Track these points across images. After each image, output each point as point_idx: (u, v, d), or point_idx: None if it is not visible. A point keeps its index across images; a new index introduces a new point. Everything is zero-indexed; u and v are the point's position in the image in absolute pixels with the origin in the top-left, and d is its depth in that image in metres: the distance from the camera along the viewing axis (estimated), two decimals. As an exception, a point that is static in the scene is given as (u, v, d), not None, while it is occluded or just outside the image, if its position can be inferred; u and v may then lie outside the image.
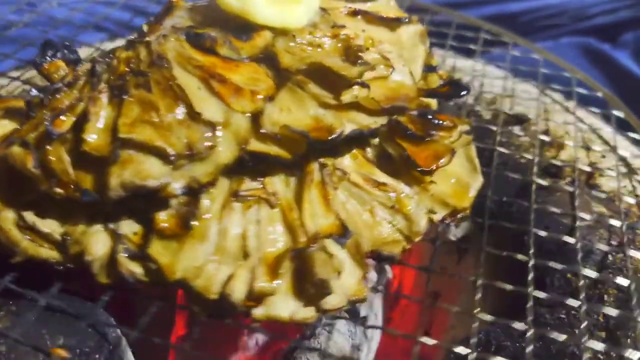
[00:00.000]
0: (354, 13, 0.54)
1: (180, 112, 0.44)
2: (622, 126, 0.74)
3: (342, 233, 0.46)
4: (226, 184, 0.46)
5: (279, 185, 0.47)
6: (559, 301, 0.52)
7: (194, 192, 0.44)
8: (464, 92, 0.56)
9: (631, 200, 0.64)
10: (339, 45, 0.49)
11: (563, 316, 0.53)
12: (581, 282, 0.53)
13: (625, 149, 0.72)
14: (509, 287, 0.51)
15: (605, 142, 0.72)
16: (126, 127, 0.43)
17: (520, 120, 0.76)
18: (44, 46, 0.52)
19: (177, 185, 0.43)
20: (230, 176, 0.46)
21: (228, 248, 0.44)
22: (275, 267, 0.44)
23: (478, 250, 0.55)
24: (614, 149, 0.71)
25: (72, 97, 0.47)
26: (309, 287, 0.44)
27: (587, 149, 0.71)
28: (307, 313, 0.45)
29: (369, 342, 0.64)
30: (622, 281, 0.53)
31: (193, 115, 0.43)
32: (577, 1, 1.12)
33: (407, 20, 0.55)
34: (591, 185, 0.67)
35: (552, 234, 0.58)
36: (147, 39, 0.48)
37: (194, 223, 0.44)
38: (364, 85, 0.47)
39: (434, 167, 0.50)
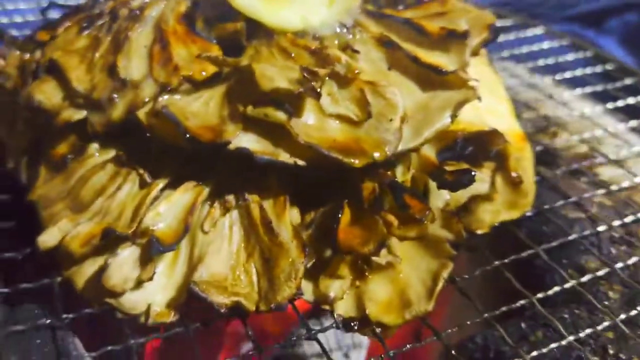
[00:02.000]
0: (385, 43, 0.45)
1: (109, 59, 0.45)
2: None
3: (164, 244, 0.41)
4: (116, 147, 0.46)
5: (152, 169, 0.45)
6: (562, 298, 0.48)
7: (86, 136, 0.45)
8: (467, 183, 0.43)
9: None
10: (312, 61, 0.43)
11: (566, 316, 0.49)
12: (584, 278, 0.48)
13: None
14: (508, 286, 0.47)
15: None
16: (59, 51, 0.47)
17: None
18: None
19: (69, 116, 0.45)
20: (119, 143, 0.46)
21: (80, 197, 0.44)
22: (87, 241, 0.42)
23: (473, 248, 0.51)
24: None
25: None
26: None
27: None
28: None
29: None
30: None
31: (113, 67, 0.44)
32: None
33: (453, 72, 0.43)
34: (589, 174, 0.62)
35: (553, 227, 0.53)
36: None
37: (72, 163, 0.45)
38: (283, 108, 0.40)
39: (350, 249, 0.40)
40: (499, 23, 0.83)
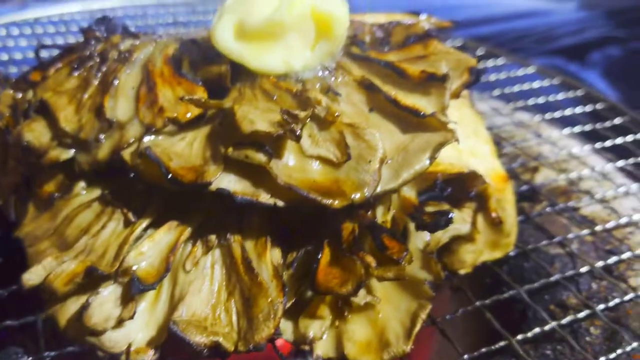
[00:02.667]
0: (366, 85, 0.46)
1: (97, 100, 0.46)
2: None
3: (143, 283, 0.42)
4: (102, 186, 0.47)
5: (136, 208, 0.46)
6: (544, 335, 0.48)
7: (73, 175, 0.47)
8: (443, 225, 0.43)
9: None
10: (293, 103, 0.45)
11: (548, 352, 0.49)
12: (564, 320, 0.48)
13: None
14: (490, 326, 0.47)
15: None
16: (49, 92, 0.48)
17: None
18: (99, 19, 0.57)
19: (57, 156, 0.46)
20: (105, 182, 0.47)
21: (66, 235, 0.45)
22: (70, 279, 0.42)
23: (456, 288, 0.51)
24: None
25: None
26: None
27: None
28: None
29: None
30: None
31: (100, 107, 0.46)
32: (544, 23, 1.10)
33: (432, 115, 0.43)
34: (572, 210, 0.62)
35: (533, 264, 0.53)
36: (142, 37, 0.52)
37: (58, 201, 0.47)
38: (263, 150, 0.41)
39: (328, 290, 0.40)
40: (491, 63, 0.85)
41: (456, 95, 0.48)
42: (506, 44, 1.14)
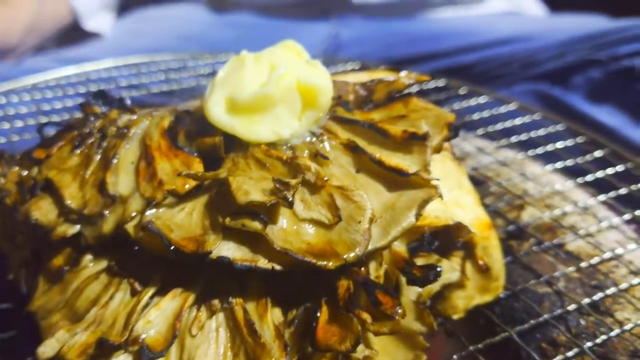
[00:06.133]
0: (352, 148, 0.49)
1: (99, 176, 0.49)
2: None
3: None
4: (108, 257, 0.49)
5: (142, 277, 0.48)
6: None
7: (80, 248, 0.49)
8: (432, 280, 0.46)
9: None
10: (284, 170, 0.47)
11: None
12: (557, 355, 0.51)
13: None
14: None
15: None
16: (54, 170, 0.51)
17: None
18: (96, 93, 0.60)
19: (64, 232, 0.48)
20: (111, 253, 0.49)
21: (76, 307, 0.47)
22: (83, 351, 0.44)
23: (450, 333, 0.53)
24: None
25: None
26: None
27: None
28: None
29: None
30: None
31: (103, 183, 0.49)
32: (525, 48, 1.13)
33: (415, 173, 0.46)
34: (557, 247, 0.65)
35: (523, 304, 0.56)
36: (138, 111, 0.55)
37: (68, 274, 0.49)
38: (258, 218, 0.43)
39: (328, 347, 0.42)
40: (474, 102, 0.88)
41: (437, 150, 0.51)
42: (491, 70, 1.17)
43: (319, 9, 1.34)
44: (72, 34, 1.26)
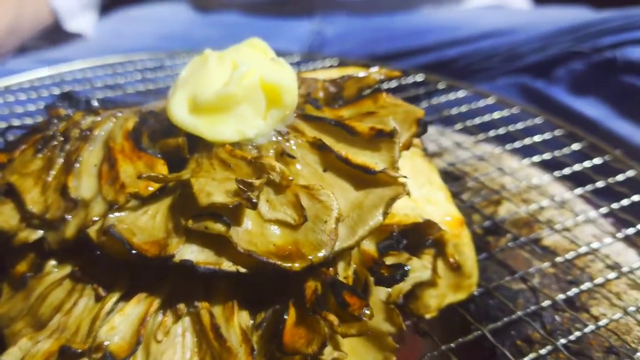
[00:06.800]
0: (318, 146, 0.48)
1: (61, 180, 0.48)
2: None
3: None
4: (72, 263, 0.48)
5: (106, 282, 0.47)
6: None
7: (44, 254, 0.48)
8: (399, 279, 0.45)
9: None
10: (249, 170, 0.46)
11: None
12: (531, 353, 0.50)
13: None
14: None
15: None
16: (16, 174, 0.50)
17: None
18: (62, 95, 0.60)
19: (26, 237, 0.48)
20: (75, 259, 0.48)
21: (40, 314, 0.46)
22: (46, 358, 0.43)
23: (423, 333, 0.52)
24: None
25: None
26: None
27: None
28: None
29: None
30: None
31: (65, 187, 0.47)
32: (507, 42, 1.13)
33: (382, 171, 0.45)
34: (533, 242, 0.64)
35: (498, 301, 0.55)
36: (102, 113, 0.53)
37: (31, 280, 0.48)
38: (221, 220, 0.43)
39: (295, 350, 0.41)
40: (453, 96, 0.87)
41: (407, 147, 0.50)
42: (475, 64, 1.17)
43: (302, 7, 1.34)
44: (54, 35, 1.24)
